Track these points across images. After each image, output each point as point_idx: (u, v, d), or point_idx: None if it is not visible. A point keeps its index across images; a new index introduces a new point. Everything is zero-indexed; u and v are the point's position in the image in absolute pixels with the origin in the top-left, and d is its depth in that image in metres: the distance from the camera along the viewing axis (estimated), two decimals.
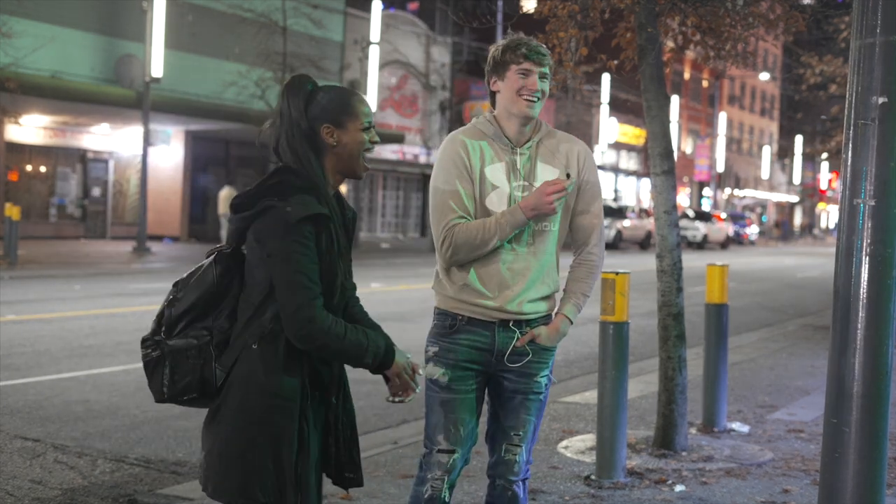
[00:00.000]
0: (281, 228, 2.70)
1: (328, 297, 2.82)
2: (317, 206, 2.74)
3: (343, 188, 34.80)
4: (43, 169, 27.26)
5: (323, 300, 2.77)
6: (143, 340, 2.89)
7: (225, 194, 26.21)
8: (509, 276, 3.32)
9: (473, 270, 3.33)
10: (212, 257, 2.88)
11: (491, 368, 3.40)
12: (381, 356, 2.84)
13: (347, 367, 2.97)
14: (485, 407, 3.52)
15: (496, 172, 3.33)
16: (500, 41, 3.41)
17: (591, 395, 7.49)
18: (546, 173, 3.36)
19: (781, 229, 64.00)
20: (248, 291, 2.83)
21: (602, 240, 3.49)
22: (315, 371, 2.85)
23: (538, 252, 3.36)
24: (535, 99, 3.34)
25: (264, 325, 2.78)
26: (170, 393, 2.84)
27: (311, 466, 2.86)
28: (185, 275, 2.90)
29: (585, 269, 3.46)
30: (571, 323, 3.44)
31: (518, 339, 3.36)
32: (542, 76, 3.36)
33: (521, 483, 3.46)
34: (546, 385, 3.46)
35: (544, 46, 3.41)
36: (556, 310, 3.46)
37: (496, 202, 3.32)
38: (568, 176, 3.34)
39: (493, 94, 3.44)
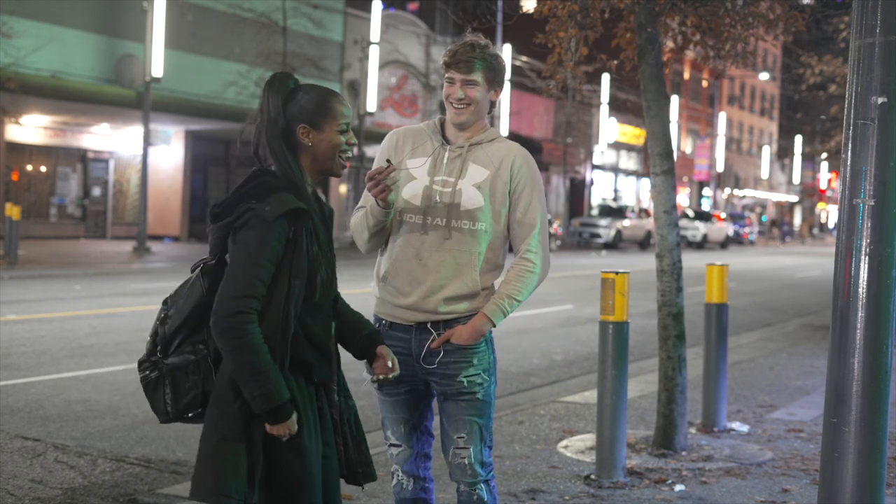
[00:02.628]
0: (258, 225, 2.70)
1: (310, 291, 2.79)
2: (294, 201, 2.74)
3: (343, 188, 34.89)
4: (43, 169, 27.26)
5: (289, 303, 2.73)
6: (140, 363, 2.88)
7: None
8: (422, 271, 3.34)
9: (388, 262, 3.40)
10: (198, 270, 2.86)
11: (418, 372, 3.43)
12: (272, 402, 2.66)
13: (343, 366, 2.99)
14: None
15: (418, 165, 3.38)
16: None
17: (591, 395, 7.49)
18: (475, 173, 3.38)
19: (780, 230, 63.68)
20: None
21: (542, 245, 3.42)
22: (307, 368, 2.82)
23: (456, 249, 3.34)
24: (463, 106, 3.36)
25: None
26: (174, 412, 2.84)
27: (313, 465, 2.80)
28: (174, 291, 2.89)
29: (516, 271, 3.41)
30: (494, 325, 3.39)
31: (434, 339, 3.37)
32: (469, 83, 3.35)
33: (483, 485, 3.42)
34: (480, 384, 3.39)
35: (479, 50, 3.36)
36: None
37: (410, 193, 3.37)
38: (388, 162, 3.29)
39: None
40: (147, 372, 2.86)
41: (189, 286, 2.85)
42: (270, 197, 2.73)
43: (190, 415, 2.85)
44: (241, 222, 2.73)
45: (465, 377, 3.39)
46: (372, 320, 3.43)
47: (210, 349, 2.82)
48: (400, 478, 3.56)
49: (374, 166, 3.38)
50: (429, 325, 3.38)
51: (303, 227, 2.76)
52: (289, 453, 2.75)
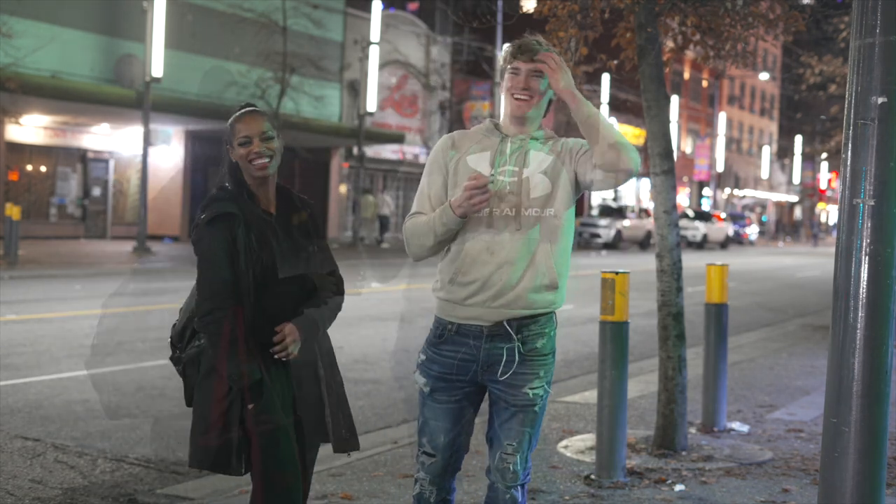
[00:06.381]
0: (198, 232, 3.29)
1: (272, 283, 3.29)
2: (226, 206, 3.28)
3: (343, 187, 34.89)
4: (43, 169, 27.25)
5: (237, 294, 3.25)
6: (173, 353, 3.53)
7: (370, 200, 32.80)
8: (495, 265, 3.23)
9: (457, 261, 3.28)
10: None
11: (478, 378, 3.35)
12: (239, 380, 3.24)
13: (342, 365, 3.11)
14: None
15: (479, 160, 3.31)
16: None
17: (591, 395, 7.49)
18: (539, 159, 3.29)
19: (811, 230, 61.08)
20: None
21: None
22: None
23: (529, 239, 3.25)
24: (526, 97, 3.28)
25: None
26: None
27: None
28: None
29: None
30: (578, 99, 3.24)
31: (514, 348, 3.28)
32: (535, 74, 3.28)
33: (519, 487, 3.41)
34: (541, 396, 3.34)
35: (542, 42, 3.32)
36: None
37: None
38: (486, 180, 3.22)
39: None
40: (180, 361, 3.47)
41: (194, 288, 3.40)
42: (209, 206, 3.29)
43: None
44: (191, 231, 3.34)
45: (529, 389, 3.31)
46: (433, 324, 3.40)
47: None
48: (424, 487, 3.45)
49: (427, 172, 3.36)
50: (505, 324, 3.27)
51: (237, 226, 3.26)
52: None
